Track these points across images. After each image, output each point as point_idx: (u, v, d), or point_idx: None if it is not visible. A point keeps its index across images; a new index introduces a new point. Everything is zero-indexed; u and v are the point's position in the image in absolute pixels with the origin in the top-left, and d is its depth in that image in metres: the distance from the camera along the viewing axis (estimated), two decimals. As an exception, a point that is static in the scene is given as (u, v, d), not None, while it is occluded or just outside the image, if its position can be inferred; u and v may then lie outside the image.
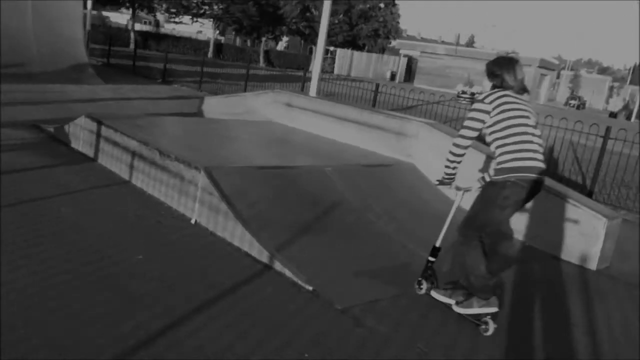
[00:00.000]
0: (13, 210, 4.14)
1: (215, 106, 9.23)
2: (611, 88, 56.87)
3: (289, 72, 32.55)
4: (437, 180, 3.65)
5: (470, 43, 70.22)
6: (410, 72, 50.26)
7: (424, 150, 6.03)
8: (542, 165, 3.17)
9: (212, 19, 42.97)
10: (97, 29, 31.14)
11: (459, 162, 3.41)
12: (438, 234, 3.62)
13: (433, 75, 45.17)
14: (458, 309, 3.42)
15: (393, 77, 47.83)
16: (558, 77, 52.35)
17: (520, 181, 3.11)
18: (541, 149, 3.22)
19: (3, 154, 5.70)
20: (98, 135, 5.96)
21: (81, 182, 5.15)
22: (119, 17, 55.62)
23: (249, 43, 53.38)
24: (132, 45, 34.76)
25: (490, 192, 3.24)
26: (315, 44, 50.09)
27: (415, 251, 4.26)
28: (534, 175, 3.13)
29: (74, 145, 6.46)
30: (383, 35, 50.46)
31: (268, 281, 3.58)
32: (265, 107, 8.19)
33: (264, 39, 46.16)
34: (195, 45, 41.79)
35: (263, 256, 3.82)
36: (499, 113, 3.17)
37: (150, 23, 57.22)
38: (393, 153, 6.29)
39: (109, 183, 5.23)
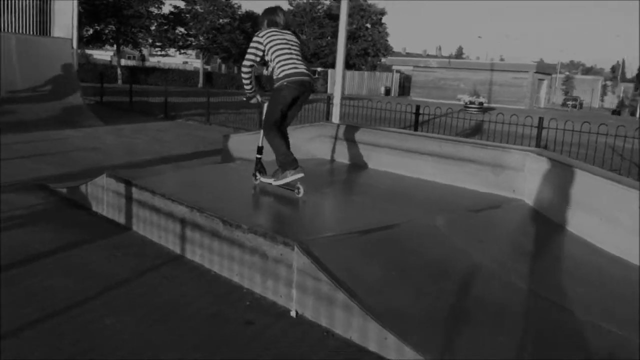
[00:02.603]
0: (38, 332, 2.89)
1: (243, 143, 7.99)
2: (604, 87, 56.51)
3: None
4: (245, 97, 4.92)
5: (459, 54, 69.94)
6: (402, 87, 49.63)
7: (534, 183, 4.86)
8: (305, 71, 4.51)
9: (198, 50, 42.08)
10: (82, 67, 29.97)
11: (249, 80, 4.68)
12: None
13: (428, 87, 44.53)
14: (276, 183, 4.59)
15: (388, 92, 47.13)
16: (553, 81, 51.96)
17: (291, 83, 4.43)
18: (302, 63, 4.49)
19: (7, 233, 4.44)
20: (128, 198, 4.73)
21: (120, 265, 3.90)
22: (102, 54, 54.64)
23: (235, 70, 52.54)
24: (119, 81, 33.64)
25: (274, 96, 4.53)
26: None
27: (618, 334, 3.04)
28: (299, 78, 4.45)
29: (95, 209, 5.22)
30: (372, 54, 49.83)
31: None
32: (309, 142, 7.00)
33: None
34: (184, 76, 40.73)
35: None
36: (269, 42, 4.49)
37: (134, 57, 56.23)
38: (491, 189, 5.12)
39: (157, 262, 3.98)
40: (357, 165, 6.30)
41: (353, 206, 4.63)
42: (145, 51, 52.62)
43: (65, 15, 14.66)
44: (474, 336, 2.89)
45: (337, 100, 11.66)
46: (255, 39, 4.53)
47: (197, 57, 49.81)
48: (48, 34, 14.61)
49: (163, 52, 42.58)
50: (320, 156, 6.81)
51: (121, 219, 4.85)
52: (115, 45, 37.67)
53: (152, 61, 57.17)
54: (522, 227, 4.50)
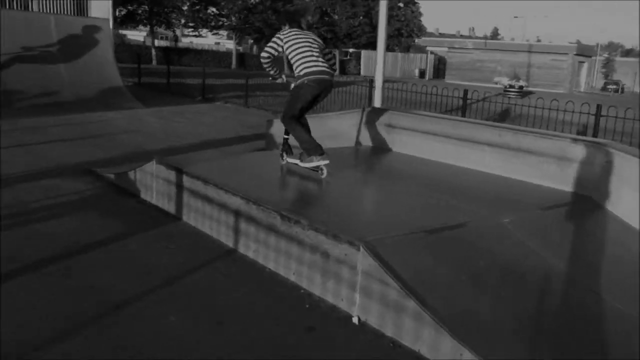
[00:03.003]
0: (100, 329, 2.78)
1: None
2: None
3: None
4: (271, 77, 5.09)
5: (495, 35, 68.13)
6: (437, 69, 48.67)
7: (607, 180, 4.54)
8: (325, 69, 4.65)
9: (230, 30, 41.91)
10: (117, 48, 30.13)
11: (270, 66, 4.86)
12: None
13: (464, 69, 43.52)
14: (303, 164, 4.78)
15: (422, 74, 46.28)
16: (593, 63, 50.13)
17: (312, 82, 4.60)
18: (323, 62, 4.68)
19: (57, 220, 4.37)
20: (179, 186, 4.61)
21: (174, 259, 3.78)
22: (135, 34, 54.94)
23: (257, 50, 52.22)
24: (154, 62, 33.78)
25: (295, 92, 4.71)
26: (337, 47, 48.84)
27: None
28: (319, 76, 4.61)
29: (144, 196, 5.13)
30: (406, 34, 48.84)
31: None
32: (355, 129, 6.78)
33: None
34: (217, 57, 40.68)
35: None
36: (289, 40, 4.69)
37: (167, 38, 56.39)
38: (555, 183, 4.81)
39: (211, 256, 3.85)
40: (409, 154, 6.06)
41: (414, 201, 4.39)
42: (177, 32, 52.76)
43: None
44: (562, 351, 2.67)
45: (378, 83, 11.33)
46: (277, 35, 4.78)
47: (229, 38, 49.75)
48: (85, 14, 14.61)
49: (196, 33, 42.53)
50: (366, 143, 6.58)
51: (171, 208, 4.73)
52: (148, 26, 37.77)
53: (185, 42, 57.29)
54: (598, 230, 4.21)
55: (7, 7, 13.47)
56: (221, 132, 9.63)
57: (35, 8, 14.05)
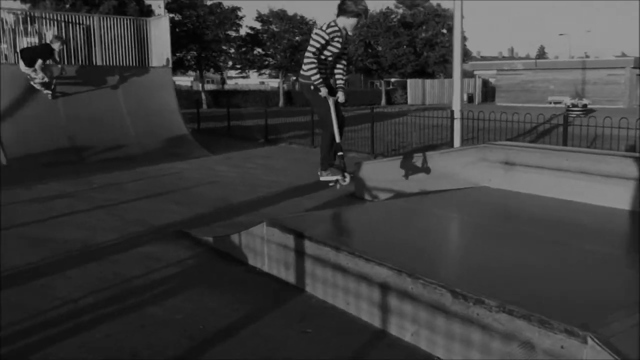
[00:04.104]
0: None
1: (377, 172, 7.22)
2: None
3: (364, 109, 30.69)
4: (312, 86, 4.81)
5: (541, 54, 66.54)
6: (484, 92, 47.61)
7: None
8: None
9: (277, 69, 42.27)
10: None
11: (316, 72, 4.71)
12: None
13: (515, 91, 42.30)
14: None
15: (471, 99, 45.27)
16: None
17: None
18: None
19: (172, 300, 3.83)
20: (300, 252, 4.02)
21: (318, 346, 3.14)
22: (182, 79, 56.30)
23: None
24: (204, 106, 34.17)
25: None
26: (382, 78, 48.57)
27: None
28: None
29: (253, 262, 4.57)
30: (451, 60, 48.15)
31: None
32: (467, 168, 6.10)
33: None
34: (263, 97, 40.97)
35: None
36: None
37: (213, 81, 57.52)
38: None
39: (359, 342, 3.20)
40: (538, 196, 5.31)
41: (587, 258, 3.65)
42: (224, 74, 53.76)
43: (161, 44, 14.63)
44: None
45: (457, 114, 10.70)
46: (318, 31, 4.74)
47: (271, 76, 50.26)
48: (146, 64, 14.62)
49: (243, 74, 43.12)
50: (483, 184, 5.88)
51: (290, 277, 4.14)
52: (197, 71, 38.46)
53: (230, 84, 58.30)
54: None
55: (73, 62, 13.58)
56: (299, 177, 9.11)
57: (98, 62, 14.14)
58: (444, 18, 48.51)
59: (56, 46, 11.23)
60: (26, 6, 27.08)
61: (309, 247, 3.92)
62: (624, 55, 48.05)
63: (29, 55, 11.02)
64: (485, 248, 3.96)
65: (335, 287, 3.72)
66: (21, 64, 11.05)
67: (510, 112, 10.50)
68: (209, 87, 51.82)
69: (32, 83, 11.29)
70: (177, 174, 9.42)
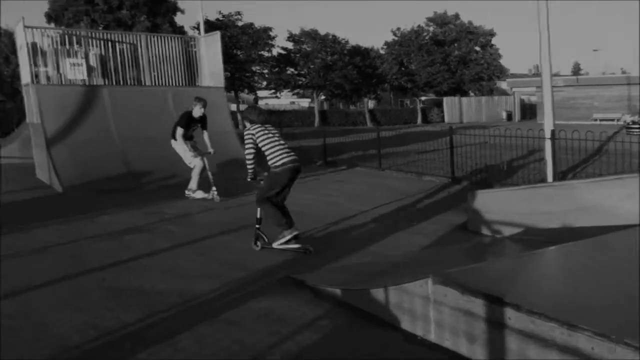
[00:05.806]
0: None
1: (499, 203, 6.20)
2: None
3: (403, 127, 29.83)
4: (250, 178, 5.73)
5: (577, 70, 64.89)
6: (523, 110, 46.27)
7: None
8: (295, 157, 5.55)
9: (311, 89, 41.71)
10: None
11: (252, 164, 5.62)
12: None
13: (557, 109, 40.71)
14: (276, 244, 5.60)
15: (510, 117, 43.96)
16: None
17: (286, 170, 5.47)
18: (291, 150, 5.60)
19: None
20: (495, 323, 3.02)
21: None
22: (212, 100, 56.04)
23: (340, 106, 51.77)
24: (240, 127, 33.62)
25: (272, 178, 5.52)
26: (417, 96, 47.59)
27: None
28: (293, 165, 5.50)
29: (409, 328, 3.58)
30: (487, 77, 47.01)
31: None
32: (624, 202, 5.06)
33: (366, 99, 44.14)
34: (298, 117, 40.41)
35: None
36: (260, 137, 5.50)
37: (244, 102, 57.25)
38: None
39: None
40: None
41: None
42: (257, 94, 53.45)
43: (213, 62, 13.95)
44: None
45: (548, 134, 9.67)
46: (248, 131, 5.56)
47: (301, 96, 49.70)
48: (195, 84, 13.91)
49: (276, 95, 42.63)
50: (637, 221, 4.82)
51: (476, 354, 3.13)
52: (232, 91, 38.01)
53: (260, 104, 57.96)
54: None
55: (121, 83, 12.93)
56: (384, 205, 8.15)
57: (147, 82, 13.47)
58: (476, 35, 47.57)
59: (197, 109, 9.07)
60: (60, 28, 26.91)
61: (517, 319, 2.91)
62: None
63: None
64: None
65: (561, 375, 2.71)
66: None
67: (569, 130, 9.60)
68: (242, 107, 51.54)
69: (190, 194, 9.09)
70: (246, 205, 8.49)
